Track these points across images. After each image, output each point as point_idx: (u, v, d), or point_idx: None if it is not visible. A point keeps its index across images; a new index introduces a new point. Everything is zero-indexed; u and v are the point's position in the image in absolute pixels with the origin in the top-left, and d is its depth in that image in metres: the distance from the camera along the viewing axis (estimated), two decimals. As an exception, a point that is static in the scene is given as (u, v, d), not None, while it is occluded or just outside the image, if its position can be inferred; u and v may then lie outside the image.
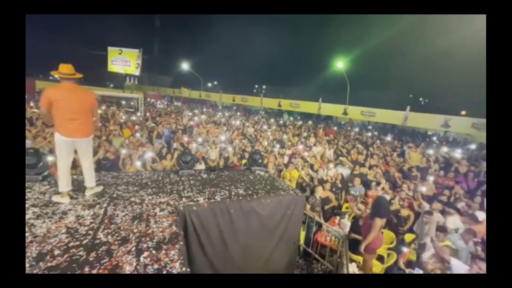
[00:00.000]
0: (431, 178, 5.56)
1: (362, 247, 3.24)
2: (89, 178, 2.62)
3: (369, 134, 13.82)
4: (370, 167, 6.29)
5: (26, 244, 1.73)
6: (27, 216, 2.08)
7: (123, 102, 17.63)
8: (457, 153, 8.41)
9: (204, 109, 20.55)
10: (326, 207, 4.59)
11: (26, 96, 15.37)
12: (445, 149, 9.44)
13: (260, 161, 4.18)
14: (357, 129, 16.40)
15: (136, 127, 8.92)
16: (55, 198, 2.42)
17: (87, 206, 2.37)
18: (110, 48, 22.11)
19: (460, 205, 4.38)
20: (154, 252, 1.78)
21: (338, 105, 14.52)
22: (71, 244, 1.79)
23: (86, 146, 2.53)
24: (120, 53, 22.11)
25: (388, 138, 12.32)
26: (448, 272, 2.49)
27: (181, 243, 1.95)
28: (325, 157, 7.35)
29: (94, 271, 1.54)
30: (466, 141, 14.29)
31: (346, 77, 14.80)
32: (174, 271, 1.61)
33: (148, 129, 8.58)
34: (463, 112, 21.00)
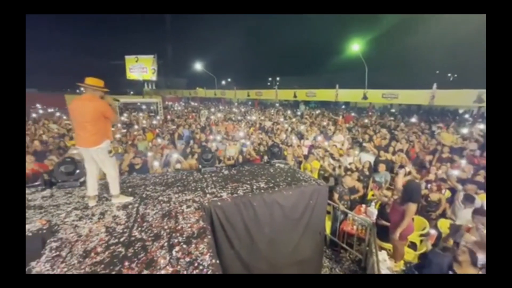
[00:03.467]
0: (463, 161, 5.18)
1: (397, 235, 3.11)
2: (112, 186, 2.63)
3: (392, 117, 13.14)
4: (395, 152, 6.01)
5: (72, 243, 1.92)
6: (70, 219, 2.30)
7: (144, 107, 18.43)
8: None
9: (220, 107, 20.83)
10: (353, 196, 4.48)
11: (58, 110, 16.64)
12: (481, 126, 8.70)
13: (279, 153, 4.18)
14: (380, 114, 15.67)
15: (157, 130, 9.32)
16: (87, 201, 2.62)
17: (121, 206, 2.56)
18: (127, 57, 23.07)
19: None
20: (184, 246, 1.89)
21: (357, 90, 13.91)
22: (111, 241, 1.95)
23: (96, 156, 2.50)
24: (136, 61, 22.99)
25: (413, 119, 11.64)
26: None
27: (209, 237, 2.03)
28: (347, 145, 7.16)
29: (133, 265, 1.67)
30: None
31: (363, 60, 14.11)
32: (205, 263, 1.69)
33: (169, 131, 8.92)
34: (499, 84, 19.12)
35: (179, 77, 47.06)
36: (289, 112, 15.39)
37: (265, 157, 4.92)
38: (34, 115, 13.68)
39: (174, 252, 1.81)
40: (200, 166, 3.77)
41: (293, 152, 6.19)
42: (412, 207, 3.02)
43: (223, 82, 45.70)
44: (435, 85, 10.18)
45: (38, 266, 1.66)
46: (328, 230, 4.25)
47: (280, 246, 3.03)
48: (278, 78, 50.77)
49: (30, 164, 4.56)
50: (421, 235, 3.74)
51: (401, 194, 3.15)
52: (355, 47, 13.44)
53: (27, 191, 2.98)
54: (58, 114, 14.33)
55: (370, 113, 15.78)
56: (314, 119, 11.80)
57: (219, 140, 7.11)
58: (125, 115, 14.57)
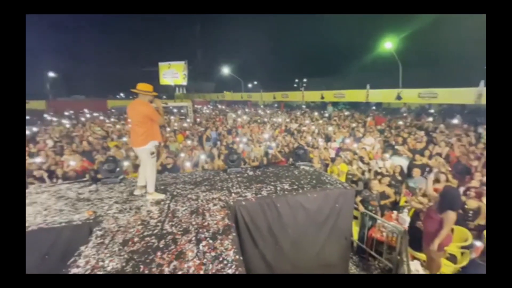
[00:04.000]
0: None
1: (435, 245, 2.88)
2: (148, 183, 2.84)
3: (430, 118, 12.14)
4: (432, 156, 5.55)
5: (114, 232, 2.15)
6: (112, 211, 2.56)
7: (175, 111, 19.50)
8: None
9: (246, 110, 21.17)
10: (383, 202, 4.26)
11: (101, 113, 18.42)
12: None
13: (304, 156, 4.15)
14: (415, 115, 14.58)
15: (187, 132, 9.82)
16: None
17: (154, 202, 2.78)
18: (160, 64, 24.65)
19: None
20: (210, 241, 2.00)
21: (390, 90, 13.12)
22: (145, 233, 2.14)
23: (140, 154, 2.81)
24: (169, 67, 24.45)
25: (455, 121, 10.61)
26: None
27: (234, 234, 2.12)
28: (378, 148, 6.80)
29: (164, 256, 1.82)
30: None
31: (396, 58, 13.29)
32: (229, 258, 1.78)
33: (197, 133, 9.35)
34: None
35: (208, 81, 48.84)
36: (316, 114, 15.06)
37: (290, 159, 4.91)
38: (82, 119, 15.33)
39: (201, 246, 1.93)
40: (226, 167, 3.92)
41: (320, 154, 6.07)
42: (452, 215, 2.79)
43: (250, 85, 46.39)
44: (482, 82, 9.17)
45: (86, 251, 1.90)
46: (355, 236, 4.10)
47: (304, 248, 3.01)
48: (305, 80, 50.13)
49: (80, 162, 5.15)
50: (463, 247, 3.41)
51: (438, 201, 2.93)
52: (388, 45, 12.73)
53: (77, 185, 3.39)
54: (101, 118, 15.88)
55: (405, 114, 14.76)
56: (343, 121, 11.40)
57: (245, 142, 7.26)
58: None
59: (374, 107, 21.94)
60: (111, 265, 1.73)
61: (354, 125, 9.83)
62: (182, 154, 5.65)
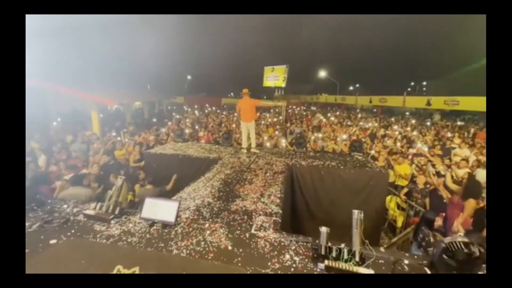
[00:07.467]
0: None
1: (455, 228, 3.41)
2: (252, 143, 5.17)
3: None
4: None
5: (227, 164, 4.24)
6: (226, 156, 4.72)
7: (271, 110, 22.48)
8: None
9: (337, 113, 21.39)
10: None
11: (216, 108, 23.81)
12: None
13: (359, 148, 5.11)
14: None
15: (277, 126, 11.94)
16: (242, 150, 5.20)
17: (247, 156, 4.78)
18: (265, 68, 28.39)
19: None
20: (272, 174, 3.70)
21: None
22: (241, 166, 4.11)
23: (251, 126, 5.11)
24: (272, 70, 27.70)
25: None
26: None
27: (286, 174, 3.74)
28: (473, 161, 6.34)
29: (249, 174, 3.67)
30: None
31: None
32: (279, 180, 3.41)
33: (284, 128, 11.27)
34: None
35: (306, 83, 50.44)
36: (413, 121, 13.72)
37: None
38: (206, 111, 20.72)
39: (267, 174, 3.67)
40: (295, 147, 5.50)
41: (389, 156, 6.50)
42: (473, 203, 3.27)
43: (351, 88, 44.64)
44: None
45: (217, 167, 4.04)
46: (399, 223, 4.71)
47: (338, 206, 4.18)
48: (424, 83, 43.12)
49: (206, 136, 8.17)
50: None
51: (463, 190, 3.43)
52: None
53: (208, 144, 5.91)
54: (218, 111, 20.83)
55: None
56: (434, 130, 10.26)
57: (321, 138, 8.48)
58: (257, 114, 18.73)
59: None
60: (226, 172, 3.76)
61: (449, 135, 8.87)
62: (266, 137, 7.66)
